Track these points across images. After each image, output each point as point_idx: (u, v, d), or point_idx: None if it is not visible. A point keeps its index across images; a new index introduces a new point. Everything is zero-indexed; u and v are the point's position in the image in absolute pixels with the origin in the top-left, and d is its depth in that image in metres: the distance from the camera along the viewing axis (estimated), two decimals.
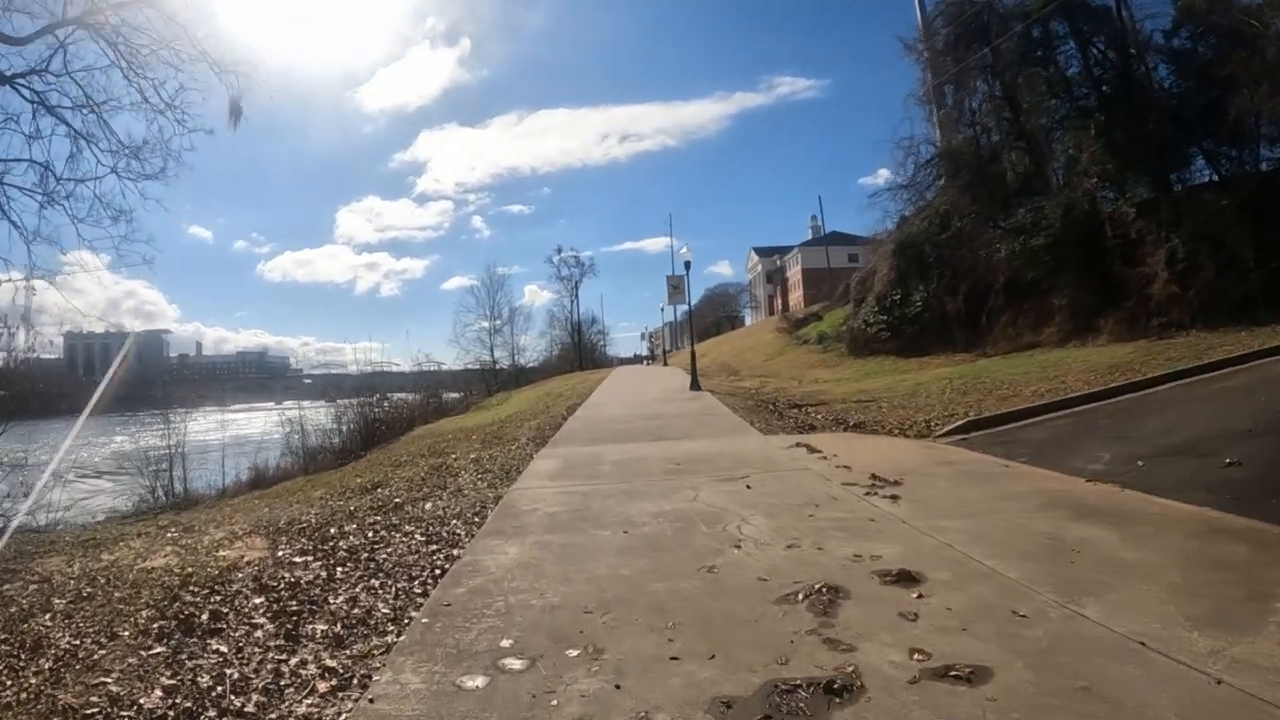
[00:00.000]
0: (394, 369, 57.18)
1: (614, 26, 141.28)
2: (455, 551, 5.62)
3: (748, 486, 7.34)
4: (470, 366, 53.05)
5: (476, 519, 6.70)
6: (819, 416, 13.21)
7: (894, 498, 6.63)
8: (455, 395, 43.81)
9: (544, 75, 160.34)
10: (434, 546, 5.89)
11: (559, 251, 63.90)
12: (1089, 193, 20.55)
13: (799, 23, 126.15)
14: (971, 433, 10.94)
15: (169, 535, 8.42)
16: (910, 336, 23.75)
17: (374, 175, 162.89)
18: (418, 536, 6.28)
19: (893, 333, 24.09)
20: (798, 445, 9.93)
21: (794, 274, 67.51)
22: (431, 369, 48.06)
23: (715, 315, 74.05)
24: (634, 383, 23.97)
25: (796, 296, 64.49)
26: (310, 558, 6.02)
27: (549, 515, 6.44)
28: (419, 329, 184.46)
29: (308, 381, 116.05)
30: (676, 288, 20.06)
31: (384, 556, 5.74)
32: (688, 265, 19.27)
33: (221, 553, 6.91)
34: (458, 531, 6.30)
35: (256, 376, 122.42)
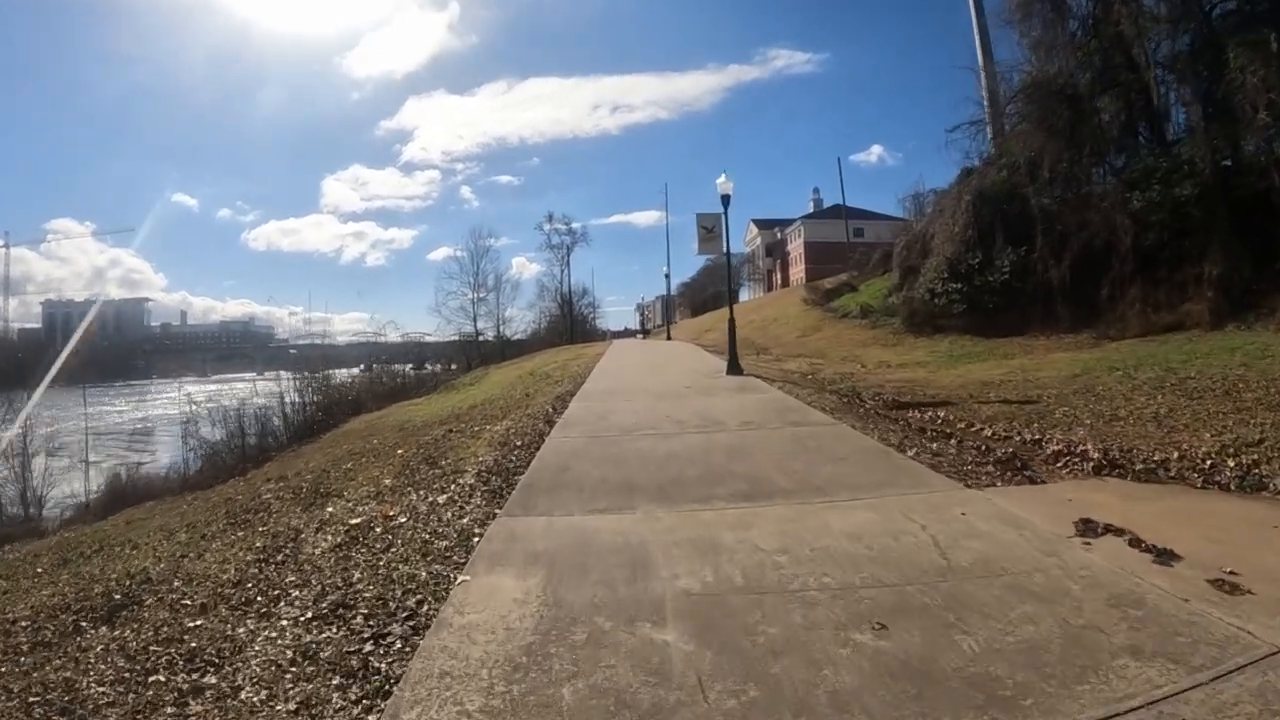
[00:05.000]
0: (380, 339, 51.75)
1: None
2: None
3: None
4: (450, 338, 46.96)
5: None
6: (989, 434, 7.37)
7: None
8: (421, 369, 38.14)
9: (534, 43, 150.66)
10: None
11: (550, 219, 57.32)
12: (1267, 127, 14.62)
13: None
14: None
15: None
16: (990, 311, 17.84)
17: (360, 143, 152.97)
18: None
19: (969, 305, 18.16)
20: (1087, 528, 4.09)
21: (795, 247, 61.79)
22: (374, 340, 42.91)
23: (716, 288, 67.62)
24: (642, 360, 17.83)
25: (798, 270, 58.92)
26: None
27: None
28: (407, 299, 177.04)
29: (293, 352, 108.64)
30: (710, 230, 13.66)
31: None
32: (726, 200, 12.93)
33: None
34: None
35: (240, 347, 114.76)
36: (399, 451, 8.11)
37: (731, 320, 13.23)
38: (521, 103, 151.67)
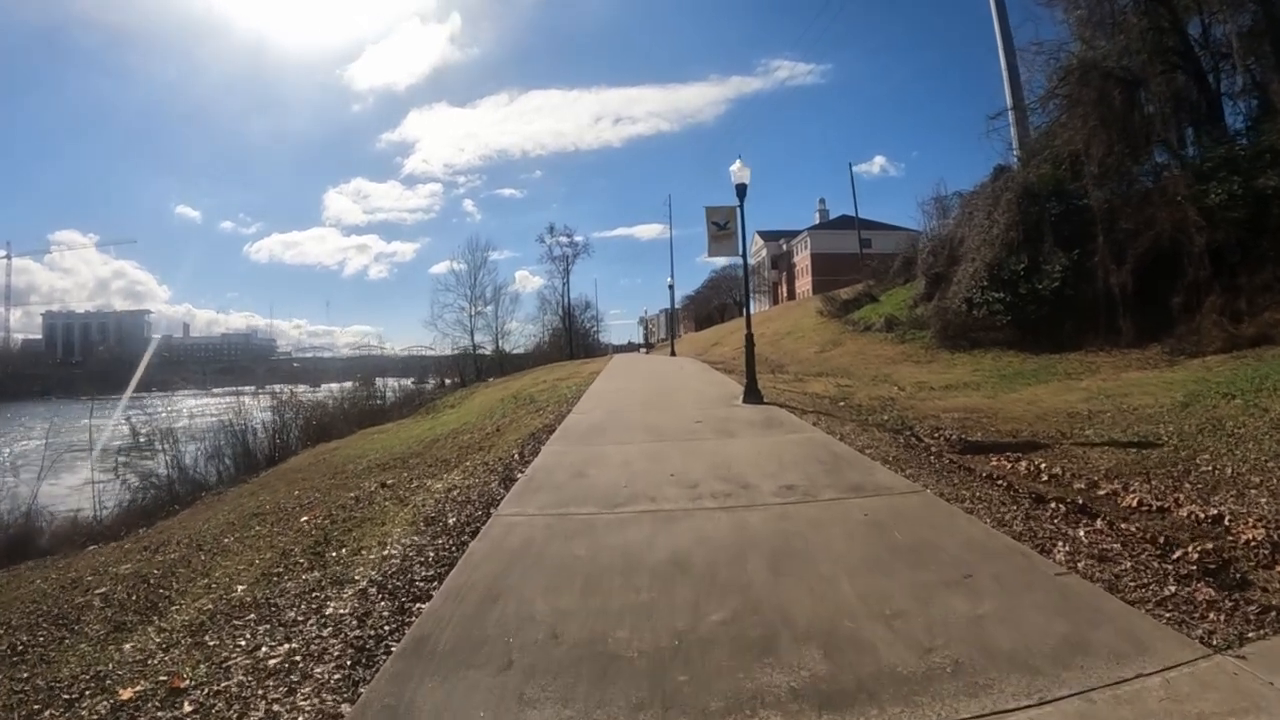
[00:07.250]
0: (381, 352, 50.47)
1: (607, 5, 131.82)
2: None
3: None
4: (446, 353, 45.09)
5: None
6: (1132, 502, 5.11)
7: None
8: (423, 384, 36.29)
9: (536, 54, 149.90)
10: None
11: (551, 231, 55.61)
12: None
13: (799, 4, 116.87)
14: None
15: None
16: (1037, 323, 15.59)
17: (362, 156, 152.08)
18: None
19: (1014, 316, 15.89)
20: None
21: (802, 258, 59.64)
22: (376, 354, 41.29)
23: (721, 300, 65.36)
24: (643, 382, 15.54)
25: (805, 282, 56.82)
26: None
27: None
28: (410, 312, 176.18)
29: (295, 365, 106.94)
30: (723, 226, 11.20)
31: None
32: (742, 191, 10.50)
33: None
34: None
35: (241, 359, 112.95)
36: (303, 519, 5.88)
37: (749, 337, 10.90)
38: (523, 115, 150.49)
